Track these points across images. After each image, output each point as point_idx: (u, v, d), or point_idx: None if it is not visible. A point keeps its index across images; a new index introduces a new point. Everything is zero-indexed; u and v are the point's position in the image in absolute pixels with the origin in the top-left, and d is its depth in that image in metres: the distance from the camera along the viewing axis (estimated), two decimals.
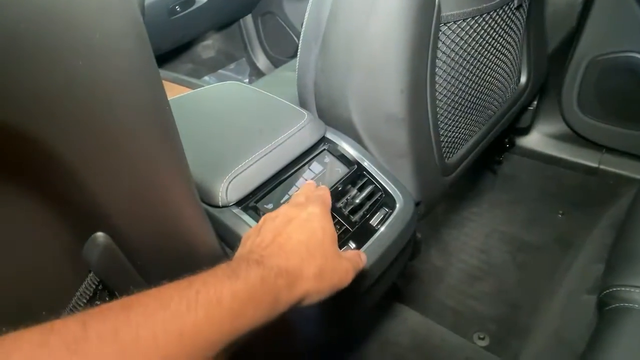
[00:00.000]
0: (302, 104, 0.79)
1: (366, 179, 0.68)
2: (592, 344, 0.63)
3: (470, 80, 0.81)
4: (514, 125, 1.29)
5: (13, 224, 0.34)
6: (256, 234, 0.44)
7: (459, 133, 0.86)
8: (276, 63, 1.81)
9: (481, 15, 0.75)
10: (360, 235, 0.62)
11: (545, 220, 1.24)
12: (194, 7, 1.47)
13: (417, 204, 0.75)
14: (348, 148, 0.70)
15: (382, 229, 0.64)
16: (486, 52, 0.83)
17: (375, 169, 0.69)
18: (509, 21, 0.86)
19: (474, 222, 1.27)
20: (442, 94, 0.76)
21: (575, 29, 1.15)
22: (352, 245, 0.61)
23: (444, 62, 0.73)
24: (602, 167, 1.29)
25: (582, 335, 0.71)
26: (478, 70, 0.83)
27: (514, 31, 0.91)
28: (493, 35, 0.82)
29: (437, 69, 0.72)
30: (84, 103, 0.31)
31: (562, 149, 1.34)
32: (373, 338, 0.99)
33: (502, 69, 0.93)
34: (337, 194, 0.64)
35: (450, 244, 1.22)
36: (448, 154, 0.85)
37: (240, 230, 0.57)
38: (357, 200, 0.63)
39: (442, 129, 0.79)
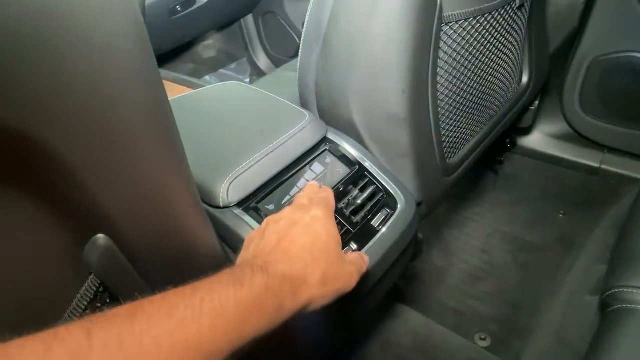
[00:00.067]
0: (303, 104, 0.79)
1: (367, 179, 0.68)
2: (595, 345, 0.63)
3: (472, 80, 0.81)
4: (515, 125, 1.29)
5: (13, 226, 0.34)
6: (260, 238, 0.43)
7: (461, 133, 0.86)
8: (277, 63, 1.81)
9: (483, 15, 0.75)
10: (362, 236, 0.62)
11: (546, 220, 1.24)
12: (195, 6, 1.46)
13: (418, 205, 0.75)
14: (349, 148, 0.70)
15: (384, 229, 0.64)
16: (488, 52, 0.83)
17: (377, 170, 0.69)
18: (510, 21, 0.85)
19: (475, 222, 1.26)
20: (443, 94, 0.76)
21: (577, 28, 1.14)
22: (354, 246, 0.61)
23: (446, 62, 0.73)
24: (603, 167, 1.28)
25: (584, 336, 0.71)
26: (480, 70, 0.83)
27: (516, 31, 0.90)
28: (495, 35, 0.82)
29: (438, 69, 0.72)
30: (84, 103, 0.31)
31: (564, 149, 1.34)
32: (374, 338, 0.99)
33: (504, 68, 0.93)
34: (338, 194, 0.64)
35: (452, 244, 1.21)
36: (449, 154, 0.85)
37: (242, 231, 0.56)
38: (359, 201, 0.63)
39: (443, 129, 0.79)
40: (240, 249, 0.46)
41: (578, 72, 1.19)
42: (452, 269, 1.15)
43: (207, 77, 1.80)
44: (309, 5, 0.71)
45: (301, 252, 0.40)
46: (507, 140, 1.36)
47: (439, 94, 0.74)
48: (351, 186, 0.66)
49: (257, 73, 1.86)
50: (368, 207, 0.65)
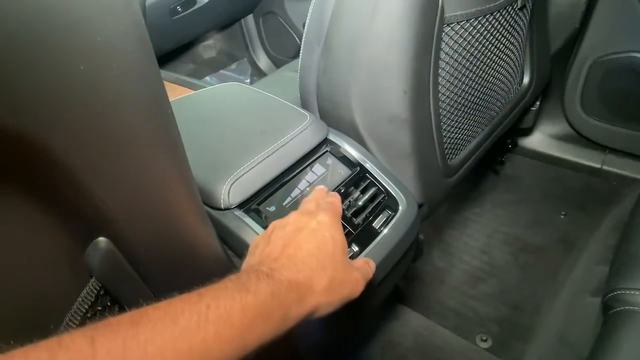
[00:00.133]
0: (304, 105, 0.79)
1: (369, 181, 0.68)
2: (597, 347, 0.62)
3: (473, 81, 0.81)
4: (516, 126, 1.28)
5: (14, 228, 0.34)
6: (265, 243, 0.43)
7: (462, 134, 0.85)
8: (277, 63, 1.81)
9: (484, 16, 0.75)
10: (363, 237, 0.62)
11: (547, 221, 1.24)
12: (196, 7, 1.46)
13: (419, 206, 0.75)
14: (350, 150, 0.70)
15: (385, 231, 0.64)
16: (489, 53, 0.82)
17: (378, 171, 0.69)
18: (512, 22, 0.85)
19: (476, 222, 1.26)
20: (445, 95, 0.75)
21: (579, 29, 1.14)
22: (355, 248, 0.60)
23: (447, 62, 0.72)
24: (605, 167, 1.28)
25: (586, 338, 0.71)
26: (481, 71, 0.82)
27: (517, 32, 0.90)
28: (496, 36, 0.82)
29: (440, 70, 0.72)
30: (85, 104, 0.31)
31: (565, 150, 1.34)
32: (376, 339, 0.99)
33: (505, 69, 0.93)
34: (339, 195, 0.64)
35: (452, 244, 1.21)
36: (451, 155, 0.84)
37: (242, 233, 0.56)
38: (360, 203, 0.63)
39: (445, 130, 0.79)
40: (244, 252, 0.45)
41: (579, 73, 1.19)
42: (453, 270, 1.15)
43: (207, 78, 1.80)
44: (310, 5, 0.71)
45: (307, 259, 0.40)
46: (508, 141, 1.36)
47: (440, 94, 0.74)
48: (352, 188, 0.66)
49: (258, 73, 1.85)
50: (369, 209, 0.65)
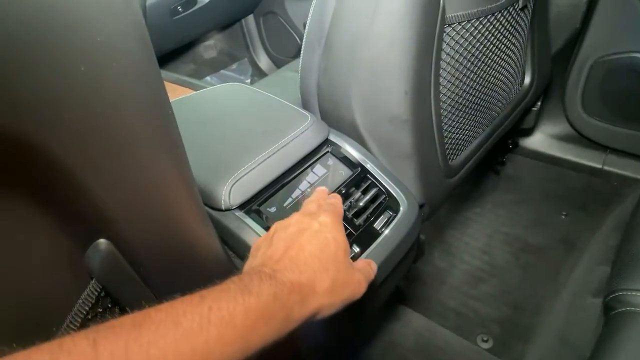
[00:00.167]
0: (305, 105, 0.79)
1: (370, 181, 0.67)
2: (598, 348, 0.62)
3: (475, 81, 0.81)
4: (517, 126, 1.28)
5: (14, 230, 0.33)
6: (267, 245, 0.43)
7: (463, 134, 0.85)
8: (278, 63, 1.81)
9: (486, 17, 0.75)
10: (364, 238, 0.62)
11: (548, 221, 1.24)
12: (196, 7, 1.46)
13: (420, 206, 0.75)
14: (351, 150, 0.69)
15: (386, 232, 0.64)
16: (490, 53, 0.82)
17: (379, 172, 0.69)
18: (513, 22, 0.85)
19: (477, 223, 1.26)
20: (446, 95, 0.75)
21: (579, 29, 1.14)
22: (356, 249, 0.60)
23: (448, 63, 0.72)
24: (606, 168, 1.28)
25: (587, 339, 0.71)
26: (482, 72, 0.82)
27: (518, 32, 0.90)
28: (497, 37, 0.82)
29: (441, 70, 0.71)
30: (85, 105, 0.31)
31: (566, 150, 1.33)
32: (377, 340, 0.99)
33: (506, 70, 0.93)
34: (340, 197, 0.64)
35: (453, 245, 1.21)
36: (452, 156, 0.84)
37: (243, 234, 0.56)
38: (361, 203, 0.63)
39: (446, 130, 0.79)
40: (244, 253, 0.45)
41: (580, 73, 1.19)
42: (454, 270, 1.14)
43: (208, 78, 1.80)
44: (311, 5, 0.70)
45: (310, 260, 0.40)
46: (509, 141, 1.36)
47: (441, 95, 0.74)
48: (353, 188, 0.66)
49: (258, 73, 1.85)
50: (370, 210, 0.64)
